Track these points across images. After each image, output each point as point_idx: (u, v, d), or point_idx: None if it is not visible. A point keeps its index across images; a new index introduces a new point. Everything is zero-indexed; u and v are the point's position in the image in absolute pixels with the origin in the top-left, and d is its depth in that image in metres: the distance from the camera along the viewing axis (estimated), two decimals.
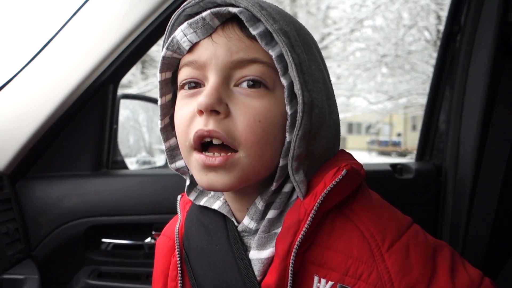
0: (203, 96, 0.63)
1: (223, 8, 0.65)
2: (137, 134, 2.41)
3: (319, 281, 0.64)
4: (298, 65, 0.63)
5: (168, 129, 0.77)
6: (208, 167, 0.65)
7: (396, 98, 12.18)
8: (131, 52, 1.38)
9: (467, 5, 1.48)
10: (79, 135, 1.44)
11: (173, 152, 0.78)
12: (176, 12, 0.71)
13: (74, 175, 1.43)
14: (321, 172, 0.68)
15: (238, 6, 0.64)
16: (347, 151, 0.77)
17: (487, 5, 1.37)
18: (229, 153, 0.64)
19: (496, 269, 1.16)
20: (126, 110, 2.22)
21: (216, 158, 0.64)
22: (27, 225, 1.36)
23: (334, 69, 12.30)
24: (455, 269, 0.64)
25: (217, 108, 0.63)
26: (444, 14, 10.24)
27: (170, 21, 0.72)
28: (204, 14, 0.66)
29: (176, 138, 0.74)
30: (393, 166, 1.60)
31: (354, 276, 0.63)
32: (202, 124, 0.64)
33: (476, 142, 1.34)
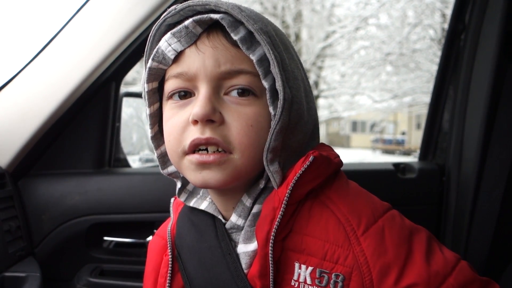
0: (198, 107, 0.66)
1: (205, 16, 0.67)
2: (140, 132, 2.41)
3: (300, 267, 0.67)
4: (280, 63, 0.67)
5: (158, 137, 0.79)
6: (203, 164, 0.68)
7: (401, 96, 12.18)
8: (134, 50, 1.38)
9: (472, 3, 1.47)
10: (82, 133, 1.44)
11: (164, 159, 0.80)
12: (156, 23, 0.73)
13: (77, 173, 1.43)
14: (295, 164, 0.71)
15: (218, 12, 0.68)
16: (327, 144, 0.81)
17: (492, 4, 1.37)
18: (222, 152, 0.68)
19: (499, 269, 1.15)
20: (130, 108, 2.22)
21: (210, 155, 0.67)
22: (29, 223, 1.36)
23: (338, 67, 12.30)
24: (431, 251, 0.66)
25: (212, 118, 0.66)
26: (449, 12, 10.20)
27: (151, 32, 0.74)
28: (186, 22, 0.68)
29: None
30: (396, 165, 1.59)
31: (331, 260, 0.66)
32: (198, 133, 0.67)
33: (479, 142, 1.34)
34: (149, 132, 0.79)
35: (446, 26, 10.44)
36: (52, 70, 1.32)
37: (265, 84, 0.68)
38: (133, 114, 2.33)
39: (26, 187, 1.38)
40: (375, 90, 12.79)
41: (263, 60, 0.67)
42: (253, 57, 0.66)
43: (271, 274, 0.66)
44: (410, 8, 11.19)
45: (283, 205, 0.66)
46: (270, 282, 0.67)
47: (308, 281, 0.66)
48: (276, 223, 0.66)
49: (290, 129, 0.69)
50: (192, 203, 0.81)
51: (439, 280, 0.63)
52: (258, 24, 0.66)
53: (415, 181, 1.55)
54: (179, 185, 0.82)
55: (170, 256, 0.80)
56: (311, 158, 0.67)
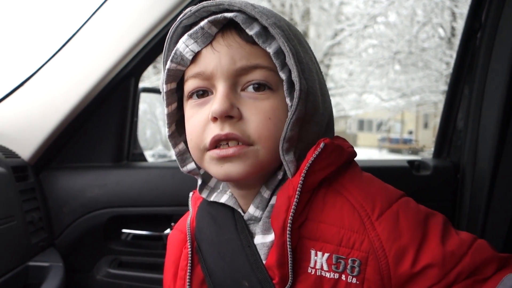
0: (217, 104, 0.68)
1: (219, 15, 0.69)
2: (154, 127, 2.43)
3: (316, 254, 0.68)
4: (295, 55, 0.68)
5: (176, 135, 0.81)
6: (223, 158, 0.69)
7: (409, 95, 12.08)
8: (153, 47, 1.40)
9: (489, 2, 1.47)
10: (101, 127, 1.47)
11: (183, 157, 0.82)
12: (173, 25, 0.75)
13: (96, 166, 1.46)
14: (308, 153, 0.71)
15: (232, 10, 0.69)
16: (342, 137, 0.82)
17: (509, 3, 1.37)
18: (242, 145, 0.69)
19: None
20: (144, 104, 2.24)
21: (230, 148, 0.69)
22: (50, 215, 1.39)
23: (346, 66, 12.24)
24: (446, 234, 0.67)
25: (231, 113, 0.68)
26: (459, 11, 10.13)
27: (168, 34, 0.76)
28: (202, 23, 0.70)
29: (184, 143, 0.81)
30: (411, 162, 1.60)
31: (347, 246, 0.67)
32: (218, 129, 0.69)
33: (494, 140, 1.34)
34: (166, 131, 0.80)
35: (455, 24, 10.37)
36: (74, 66, 1.35)
37: (282, 76, 0.69)
38: (147, 110, 2.35)
39: (47, 179, 1.41)
40: (383, 89, 12.70)
41: (279, 53, 0.69)
42: (270, 50, 0.68)
43: (290, 262, 0.67)
44: (419, 7, 11.11)
45: (297, 193, 0.67)
46: (289, 271, 0.67)
47: (325, 267, 0.67)
48: (291, 211, 0.67)
49: (306, 120, 0.70)
50: (213, 198, 0.82)
51: (454, 260, 0.64)
52: (271, 19, 0.68)
53: (430, 178, 1.56)
54: (199, 182, 0.83)
55: (190, 249, 0.81)
56: (322, 145, 0.68)
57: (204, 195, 0.83)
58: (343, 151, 0.73)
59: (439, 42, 11.09)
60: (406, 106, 13.15)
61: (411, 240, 0.65)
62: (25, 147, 1.35)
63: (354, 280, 0.65)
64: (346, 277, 0.66)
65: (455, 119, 1.68)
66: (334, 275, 0.66)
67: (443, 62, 10.80)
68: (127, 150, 1.54)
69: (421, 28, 11.00)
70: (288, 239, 0.67)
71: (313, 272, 0.68)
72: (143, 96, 2.11)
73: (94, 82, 1.35)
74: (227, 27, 0.71)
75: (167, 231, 1.45)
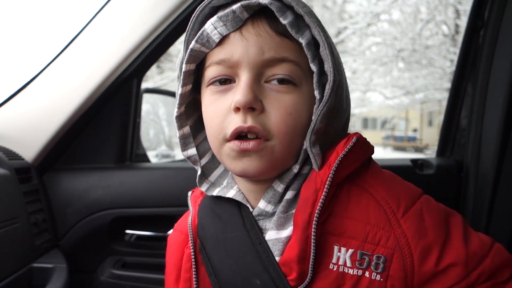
0: (241, 95, 0.66)
1: (253, 1, 0.67)
2: (157, 128, 2.44)
3: (339, 250, 0.67)
4: (329, 45, 0.67)
5: (183, 118, 0.79)
6: (243, 152, 0.68)
7: (413, 93, 12.06)
8: (155, 47, 1.40)
9: (491, 0, 1.47)
10: (104, 129, 1.47)
11: (185, 140, 0.80)
12: (202, 4, 0.72)
13: (99, 167, 1.46)
14: (333, 147, 0.71)
15: None
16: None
17: (511, 0, 1.36)
18: (261, 139, 0.68)
19: None
20: (147, 104, 2.24)
21: (250, 142, 0.67)
22: (54, 216, 1.40)
23: (350, 64, 12.19)
24: (467, 233, 0.67)
25: (254, 105, 0.66)
26: (462, 8, 10.09)
27: (195, 12, 0.72)
28: (234, 7, 0.68)
29: (189, 126, 0.79)
30: (414, 161, 1.60)
31: (373, 242, 0.66)
32: (240, 121, 0.67)
33: (498, 138, 1.33)
34: (175, 112, 0.78)
35: (459, 22, 10.33)
36: (77, 67, 1.35)
37: (313, 67, 0.68)
38: (150, 110, 2.36)
39: (51, 181, 1.41)
40: (387, 87, 12.68)
41: (311, 44, 0.68)
42: (302, 41, 0.67)
43: (311, 257, 0.66)
44: (422, 4, 11.08)
45: (326, 186, 0.66)
46: (310, 266, 0.66)
47: (348, 263, 0.66)
48: (319, 204, 0.66)
49: (333, 114, 0.69)
50: (216, 192, 0.80)
51: (476, 261, 0.64)
52: (306, 7, 0.67)
53: (433, 177, 1.55)
54: (199, 172, 0.81)
55: (192, 249, 0.78)
56: (354, 139, 0.68)
57: (203, 188, 0.81)
58: (368, 147, 0.73)
59: (443, 40, 11.06)
60: (410, 104, 13.13)
61: (436, 238, 0.65)
62: (28, 149, 1.35)
63: (378, 277, 0.65)
64: (370, 274, 0.65)
65: (459, 117, 1.68)
66: (357, 272, 0.65)
67: (447, 59, 10.77)
68: (130, 151, 1.54)
69: (424, 25, 10.97)
70: (313, 233, 0.65)
71: (335, 268, 0.67)
72: (146, 97, 2.11)
73: (97, 83, 1.35)
74: (258, 14, 0.68)
75: (171, 231, 1.44)
